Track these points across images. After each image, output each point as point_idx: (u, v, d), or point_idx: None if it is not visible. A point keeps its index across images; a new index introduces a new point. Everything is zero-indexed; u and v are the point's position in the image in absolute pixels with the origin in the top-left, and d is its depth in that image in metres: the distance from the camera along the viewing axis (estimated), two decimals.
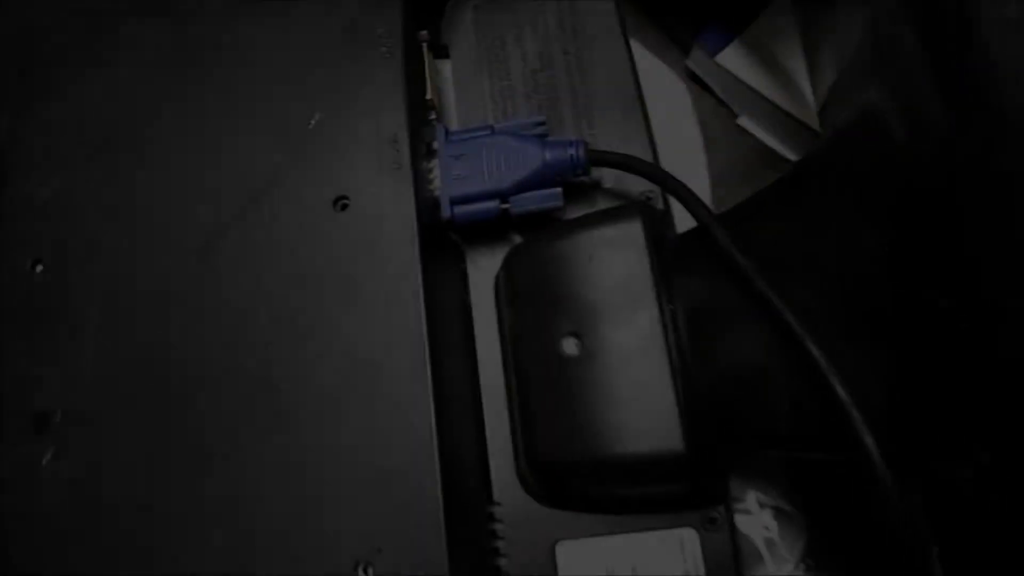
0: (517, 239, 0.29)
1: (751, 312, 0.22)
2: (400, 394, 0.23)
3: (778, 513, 0.28)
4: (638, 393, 0.22)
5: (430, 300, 0.24)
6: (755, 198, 0.24)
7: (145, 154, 0.27)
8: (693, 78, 0.40)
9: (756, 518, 0.28)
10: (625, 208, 0.25)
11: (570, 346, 0.23)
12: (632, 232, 0.24)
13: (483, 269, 0.28)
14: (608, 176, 0.29)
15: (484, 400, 0.26)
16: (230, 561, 0.22)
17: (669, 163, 0.29)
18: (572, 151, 0.26)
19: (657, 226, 0.25)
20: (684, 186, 0.24)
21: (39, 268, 0.26)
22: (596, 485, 0.23)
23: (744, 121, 0.41)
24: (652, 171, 0.25)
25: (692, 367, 0.23)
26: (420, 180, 0.25)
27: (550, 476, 0.24)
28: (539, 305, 0.24)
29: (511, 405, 0.26)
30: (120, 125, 0.27)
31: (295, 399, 0.23)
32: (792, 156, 0.41)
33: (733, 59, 0.40)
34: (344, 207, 0.25)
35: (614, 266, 0.24)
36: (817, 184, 0.23)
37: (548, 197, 0.26)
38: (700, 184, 0.36)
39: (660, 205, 0.28)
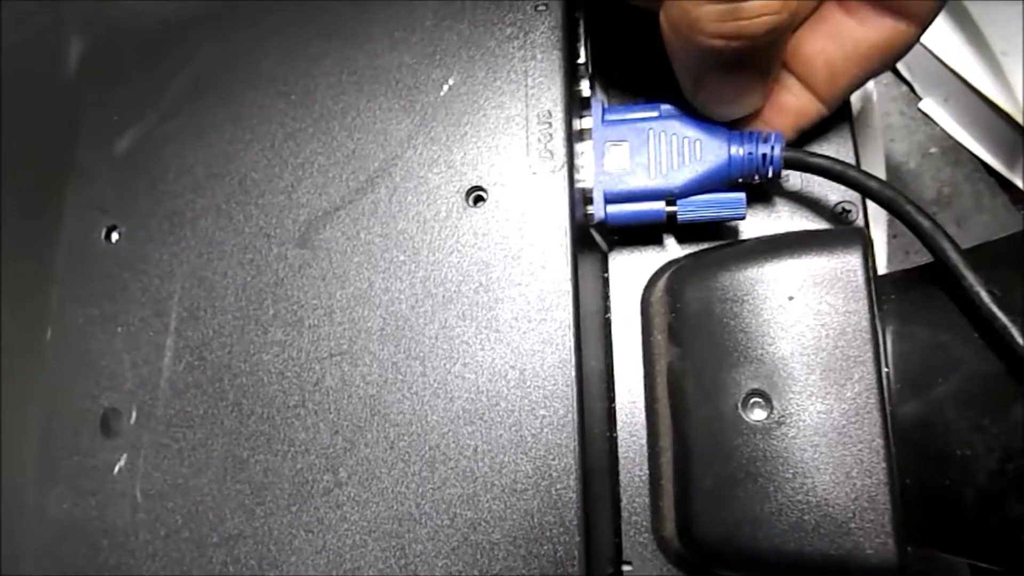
0: (671, 243, 0.23)
1: (1005, 388, 0.17)
2: (543, 443, 0.18)
3: None
4: (841, 480, 0.18)
5: (579, 331, 0.19)
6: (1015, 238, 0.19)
7: (242, 109, 0.22)
8: None
9: None
10: (840, 233, 0.19)
11: (755, 409, 0.18)
12: (850, 267, 0.18)
13: (624, 278, 0.23)
14: (788, 177, 0.23)
15: (620, 442, 0.22)
16: None
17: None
18: (766, 148, 0.21)
19: (873, 260, 0.19)
20: (927, 215, 0.18)
21: (115, 236, 0.22)
22: None
23: (928, 105, 0.35)
24: (879, 190, 0.19)
25: (906, 449, 0.18)
26: (574, 171, 0.20)
27: (708, 558, 0.19)
28: (715, 349, 0.19)
29: (654, 454, 0.21)
30: (216, 70, 0.23)
31: (411, 436, 0.19)
32: (983, 153, 0.34)
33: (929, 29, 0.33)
34: (479, 200, 0.20)
35: (823, 311, 0.18)
36: None
37: (729, 203, 0.21)
38: None
39: (860, 222, 0.22)
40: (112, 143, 0.23)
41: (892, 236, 0.31)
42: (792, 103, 0.20)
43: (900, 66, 0.33)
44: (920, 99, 0.33)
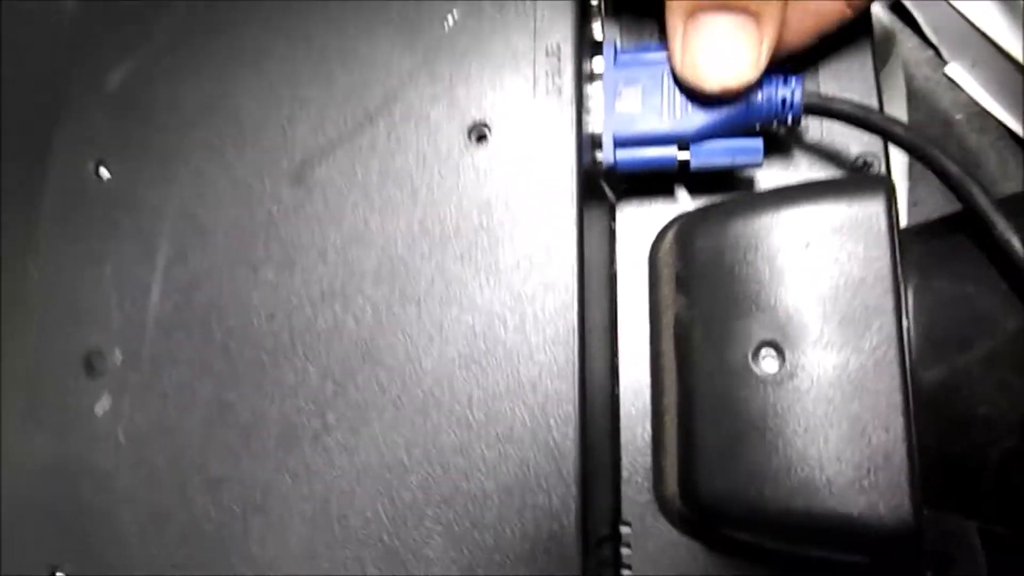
0: (683, 195, 0.22)
1: None
2: (541, 391, 0.17)
3: None
4: (856, 436, 0.17)
5: (583, 276, 0.18)
6: None
7: (236, 44, 0.21)
8: (898, 9, 0.32)
9: None
10: (862, 179, 0.18)
11: (766, 361, 0.17)
12: (871, 215, 0.17)
13: (632, 233, 0.22)
14: (807, 128, 0.22)
15: (622, 400, 0.21)
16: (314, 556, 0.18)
17: None
18: (786, 91, 0.20)
19: (895, 209, 0.18)
20: (955, 160, 0.17)
21: (103, 172, 0.22)
22: (774, 540, 0.18)
23: (954, 70, 0.33)
24: (904, 135, 0.18)
25: (926, 406, 0.17)
26: (582, 111, 0.19)
27: (712, 517, 0.18)
28: (725, 298, 0.18)
29: (657, 412, 0.20)
30: (212, 4, 0.22)
31: (403, 381, 0.18)
32: (1010, 120, 0.33)
33: None
34: (482, 138, 0.19)
35: (841, 258, 0.17)
36: None
37: (745, 150, 0.20)
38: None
39: (882, 173, 0.21)
40: (104, 78, 0.22)
41: (913, 204, 0.30)
42: (814, 4, 0.19)
43: (926, 29, 0.32)
44: (946, 63, 0.32)
